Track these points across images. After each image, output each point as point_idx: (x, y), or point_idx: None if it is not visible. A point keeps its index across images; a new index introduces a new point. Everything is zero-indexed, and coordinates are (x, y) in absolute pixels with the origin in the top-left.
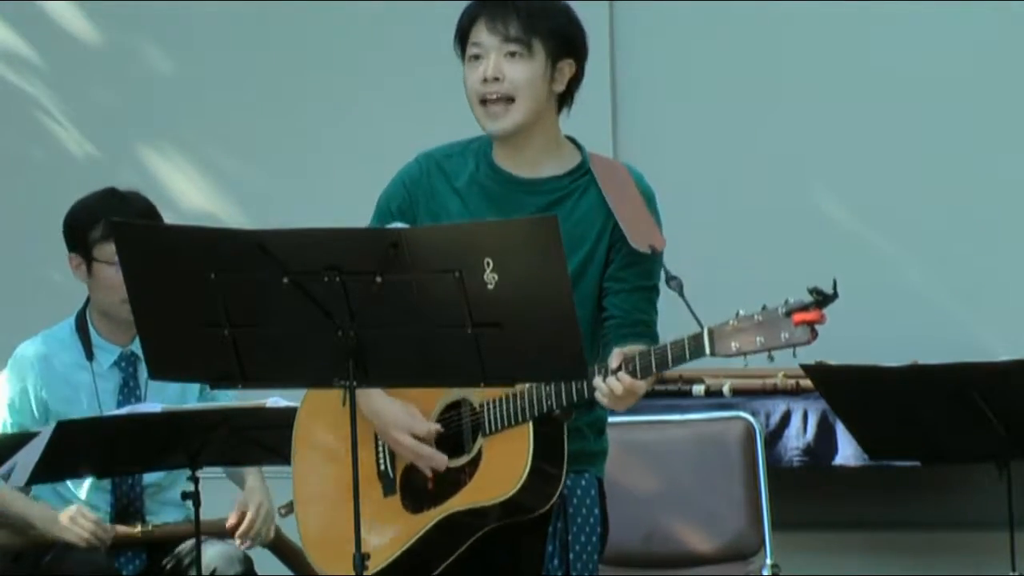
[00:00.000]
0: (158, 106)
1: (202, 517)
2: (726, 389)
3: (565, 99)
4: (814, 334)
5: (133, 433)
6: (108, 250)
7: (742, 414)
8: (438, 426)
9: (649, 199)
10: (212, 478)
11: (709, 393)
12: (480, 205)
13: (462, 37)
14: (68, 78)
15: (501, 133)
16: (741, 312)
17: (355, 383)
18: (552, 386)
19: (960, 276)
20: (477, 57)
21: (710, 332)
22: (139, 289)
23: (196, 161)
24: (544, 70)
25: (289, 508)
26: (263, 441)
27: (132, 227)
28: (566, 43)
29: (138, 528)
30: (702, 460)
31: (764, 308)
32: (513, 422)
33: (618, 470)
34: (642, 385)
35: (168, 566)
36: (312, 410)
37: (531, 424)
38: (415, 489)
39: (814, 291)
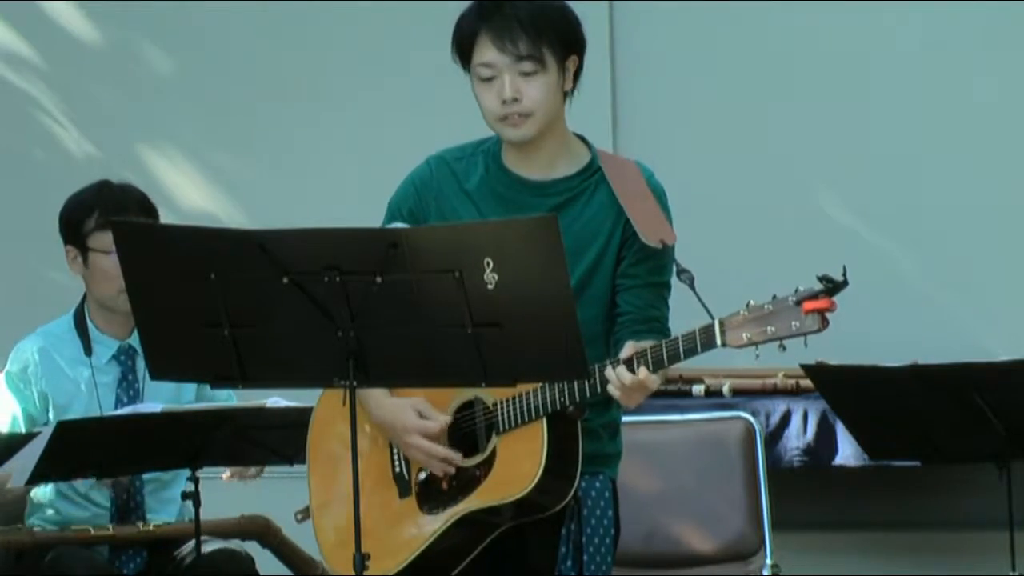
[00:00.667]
0: (158, 106)
1: (202, 517)
2: (726, 389)
3: (568, 93)
4: (825, 322)
5: (133, 433)
6: (103, 239)
7: (742, 414)
8: (449, 417)
9: (659, 195)
10: (212, 478)
11: (709, 393)
12: (491, 208)
13: (463, 49)
14: (68, 78)
15: (520, 141)
16: (751, 302)
17: (355, 383)
18: (565, 383)
19: (960, 276)
20: (490, 79)
21: (720, 323)
22: (139, 289)
23: (196, 161)
24: (557, 78)
25: (306, 514)
26: (263, 441)
27: (132, 226)
28: (570, 41)
29: (139, 527)
30: (702, 460)
31: (774, 298)
32: (526, 419)
33: (618, 470)
34: (654, 379)
35: (168, 566)
36: (326, 416)
37: (545, 421)
38: (431, 490)
39: (824, 279)
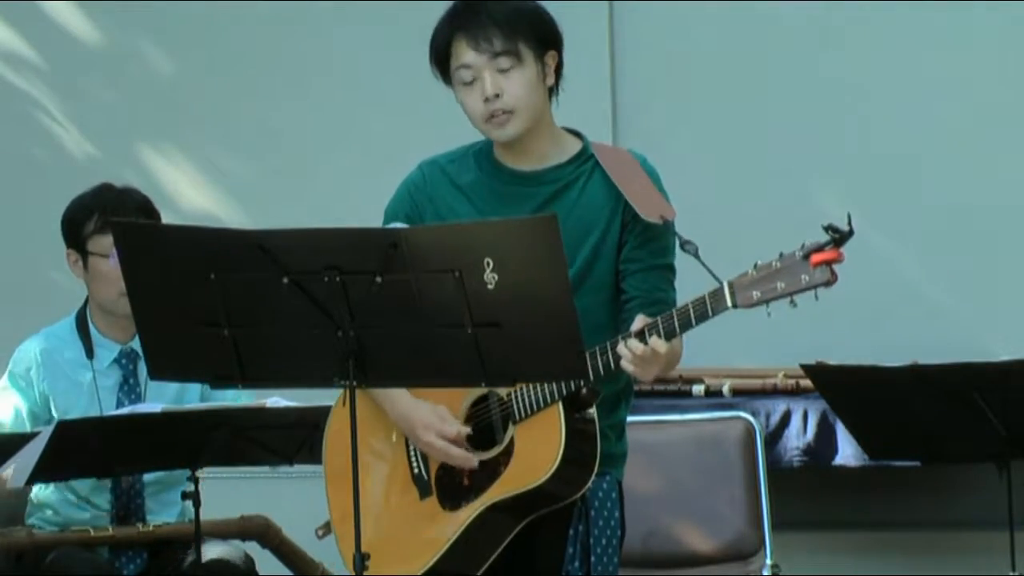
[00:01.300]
0: (158, 106)
1: (202, 517)
2: (726, 389)
3: (553, 89)
4: (834, 275)
5: (133, 433)
6: (103, 242)
7: (742, 414)
8: (467, 429)
9: (655, 178)
10: (212, 478)
11: (709, 393)
12: (487, 203)
13: (440, 57)
14: (68, 78)
15: (508, 139)
16: (759, 262)
17: (355, 383)
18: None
19: (960, 276)
20: (471, 81)
21: (730, 285)
22: (139, 289)
23: (196, 161)
24: (536, 72)
25: (327, 529)
26: (263, 441)
27: (132, 227)
28: (545, 37)
29: (138, 528)
30: (702, 460)
31: (781, 255)
32: (541, 405)
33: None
34: (663, 345)
35: (168, 566)
36: (342, 428)
37: (561, 407)
38: (451, 487)
39: (829, 228)
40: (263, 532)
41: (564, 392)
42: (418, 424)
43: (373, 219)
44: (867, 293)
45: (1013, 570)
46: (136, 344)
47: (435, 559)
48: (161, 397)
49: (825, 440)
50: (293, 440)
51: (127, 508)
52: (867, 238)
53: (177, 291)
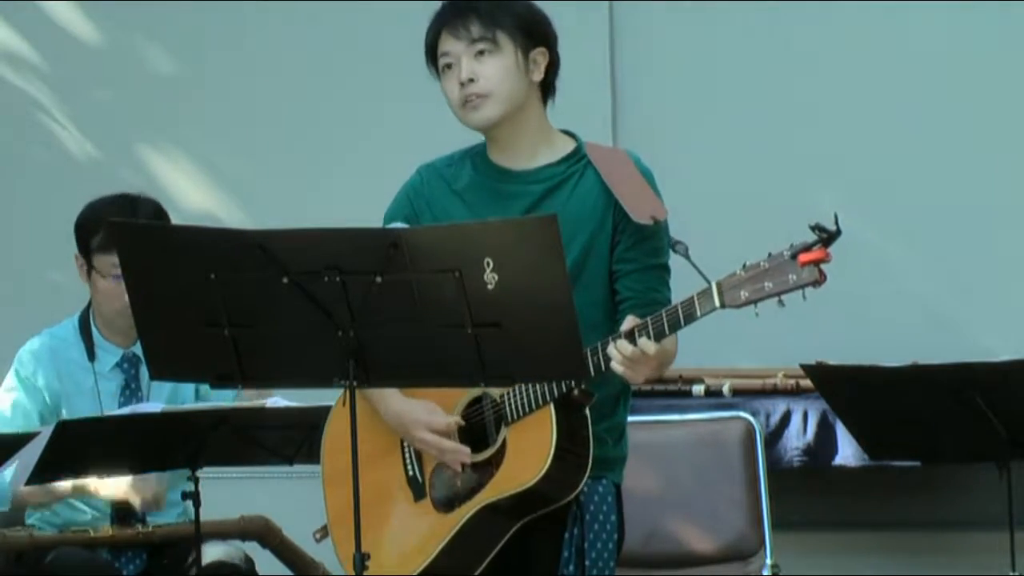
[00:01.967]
0: (158, 106)
1: (202, 517)
2: (726, 389)
3: (548, 89)
4: (822, 274)
5: (133, 433)
6: (105, 262)
7: (742, 414)
8: (458, 418)
9: (649, 178)
10: (212, 478)
11: (709, 393)
12: (480, 202)
13: (431, 54)
14: (68, 78)
15: (482, 124)
16: (747, 262)
17: (355, 383)
18: None
19: (960, 276)
20: (449, 66)
21: (718, 285)
22: (139, 289)
23: (196, 161)
24: (515, 61)
25: (324, 532)
26: (263, 441)
27: (132, 227)
28: (532, 32)
29: (138, 528)
30: (702, 460)
31: (770, 255)
32: (534, 407)
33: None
34: (652, 347)
35: (169, 567)
36: (340, 432)
37: (553, 408)
38: (445, 489)
39: (816, 228)
40: (263, 532)
41: (556, 394)
42: (409, 421)
43: (373, 219)
44: (867, 293)
45: (1013, 570)
46: (138, 348)
47: (429, 561)
48: (159, 397)
49: (825, 440)
50: (293, 440)
51: (127, 509)
52: (867, 238)
53: (177, 291)
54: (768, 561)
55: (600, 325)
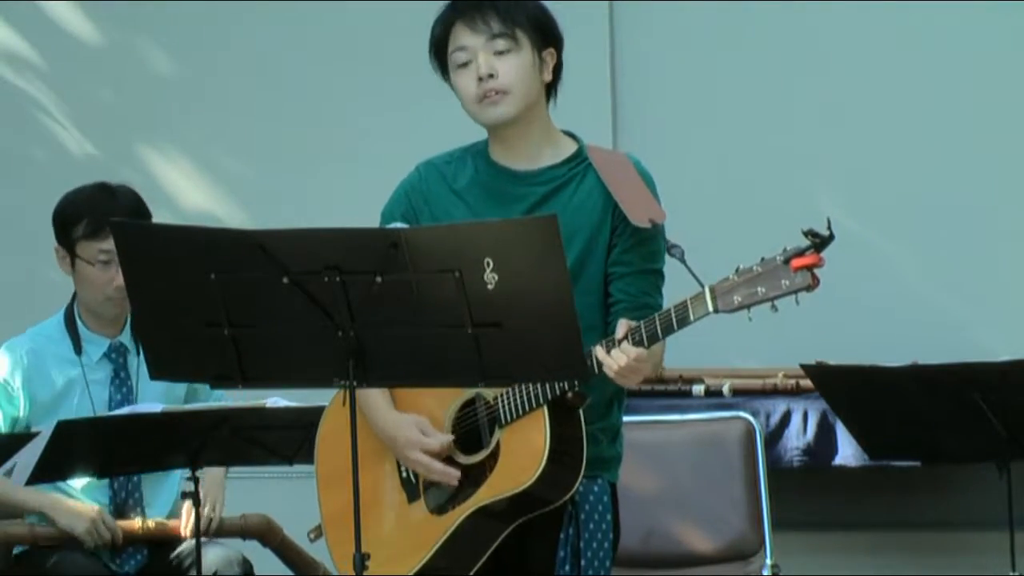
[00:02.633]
0: (158, 106)
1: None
2: (726, 389)
3: (551, 89)
4: (815, 279)
5: (133, 433)
6: (90, 248)
7: (742, 414)
8: (450, 438)
9: (648, 181)
10: None
11: (709, 393)
12: (481, 203)
13: (440, 47)
14: (68, 78)
15: (499, 120)
16: (740, 266)
17: (355, 383)
18: None
19: (960, 276)
20: (465, 62)
21: (711, 289)
22: (139, 289)
23: (196, 161)
24: (533, 60)
25: (318, 532)
26: (263, 441)
27: (132, 227)
28: (546, 32)
29: (138, 522)
30: (702, 460)
31: (763, 259)
32: (527, 409)
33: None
34: (645, 355)
35: (169, 566)
36: (333, 432)
37: (546, 410)
38: (439, 491)
39: (809, 233)
40: (264, 531)
41: (550, 395)
42: (401, 442)
43: (373, 219)
44: (867, 293)
45: (1013, 570)
46: (125, 338)
47: (423, 562)
48: (152, 389)
49: (825, 440)
50: (293, 440)
51: (125, 502)
52: (867, 239)
53: (177, 291)
54: (768, 561)
55: (597, 327)
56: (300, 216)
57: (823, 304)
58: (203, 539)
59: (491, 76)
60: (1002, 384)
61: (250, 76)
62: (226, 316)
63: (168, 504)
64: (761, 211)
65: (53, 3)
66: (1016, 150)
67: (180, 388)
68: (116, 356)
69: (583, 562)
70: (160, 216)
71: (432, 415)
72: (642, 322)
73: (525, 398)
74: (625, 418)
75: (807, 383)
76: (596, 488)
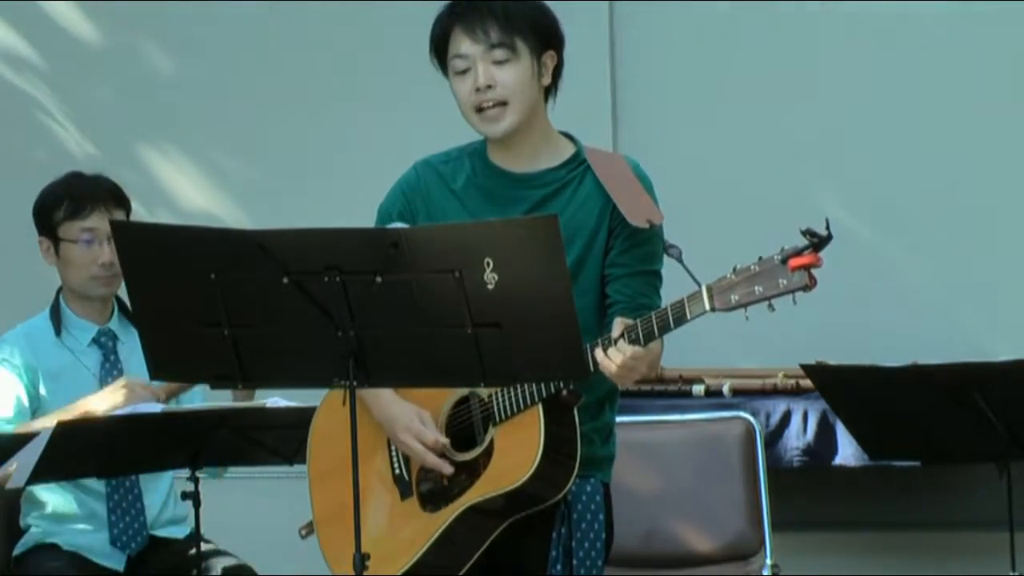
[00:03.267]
0: (158, 106)
1: (201, 518)
2: (726, 389)
3: (550, 90)
4: (812, 279)
5: (133, 433)
6: (72, 228)
7: (742, 414)
8: (446, 440)
9: (646, 183)
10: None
11: (709, 393)
12: (479, 205)
13: (439, 48)
14: (68, 78)
15: (500, 136)
16: (737, 266)
17: (355, 383)
18: None
19: (960, 276)
20: (465, 70)
21: (708, 288)
22: (139, 289)
23: (196, 161)
24: (531, 68)
25: (309, 529)
26: (263, 441)
27: (132, 227)
28: (546, 36)
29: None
30: (702, 460)
31: (760, 259)
32: (521, 407)
33: (618, 470)
34: (642, 353)
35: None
36: (325, 429)
37: (541, 408)
38: (432, 488)
39: (807, 233)
40: None
41: (544, 394)
42: (400, 426)
43: (373, 219)
44: (867, 293)
45: (1013, 570)
46: (114, 324)
47: (414, 560)
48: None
49: (825, 440)
50: (293, 440)
51: (124, 499)
52: (867, 238)
53: (177, 291)
54: (768, 561)
55: (594, 328)
56: (300, 216)
57: (823, 304)
58: (210, 547)
59: (489, 87)
60: (1002, 384)
61: (250, 76)
62: (226, 316)
63: (162, 487)
64: (760, 211)
65: (53, 3)
66: (1016, 150)
67: None
68: (105, 340)
69: (575, 562)
70: (160, 216)
71: (429, 407)
72: (639, 320)
73: (519, 396)
74: (625, 418)
75: (807, 383)
76: (589, 488)
